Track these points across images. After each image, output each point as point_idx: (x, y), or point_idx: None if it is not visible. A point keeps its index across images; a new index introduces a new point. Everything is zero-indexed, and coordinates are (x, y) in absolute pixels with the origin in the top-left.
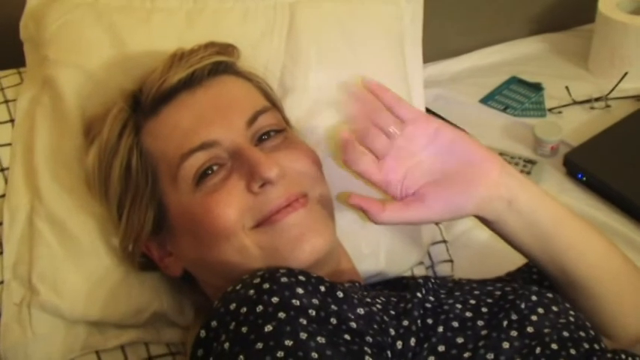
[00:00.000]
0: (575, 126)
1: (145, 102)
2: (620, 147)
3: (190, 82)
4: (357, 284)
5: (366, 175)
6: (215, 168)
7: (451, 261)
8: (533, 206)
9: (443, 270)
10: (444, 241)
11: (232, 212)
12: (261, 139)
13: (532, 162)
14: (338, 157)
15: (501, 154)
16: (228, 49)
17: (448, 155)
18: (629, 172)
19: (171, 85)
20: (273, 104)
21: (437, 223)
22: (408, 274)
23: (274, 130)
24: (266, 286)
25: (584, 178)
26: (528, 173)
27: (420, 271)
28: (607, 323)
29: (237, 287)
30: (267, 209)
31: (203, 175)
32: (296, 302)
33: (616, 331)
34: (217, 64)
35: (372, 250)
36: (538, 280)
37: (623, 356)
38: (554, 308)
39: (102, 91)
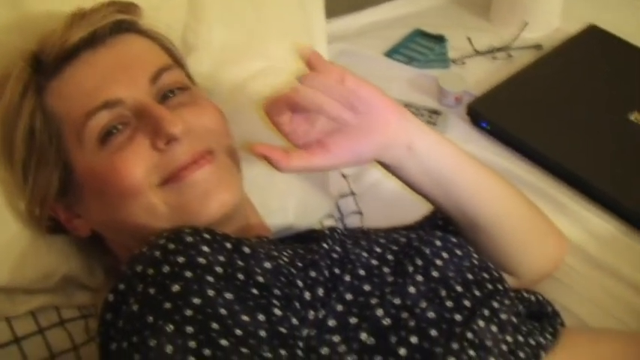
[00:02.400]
0: (478, 76)
1: (47, 62)
2: (522, 95)
3: (92, 41)
4: (264, 239)
5: (279, 125)
6: (120, 127)
7: (360, 213)
8: (432, 152)
9: (352, 222)
10: (353, 194)
11: (138, 170)
12: (165, 96)
13: (437, 113)
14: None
15: (406, 105)
16: (129, 7)
17: (351, 104)
18: (530, 120)
19: (72, 43)
20: (177, 62)
21: (344, 176)
22: (317, 227)
23: (178, 87)
24: (171, 246)
25: (488, 127)
26: (433, 124)
27: (329, 224)
28: (511, 263)
29: (143, 249)
30: (173, 166)
31: (108, 134)
32: (202, 260)
33: (520, 270)
34: (119, 22)
35: (281, 205)
36: (443, 225)
37: (525, 295)
38: (458, 252)
39: (0, 53)
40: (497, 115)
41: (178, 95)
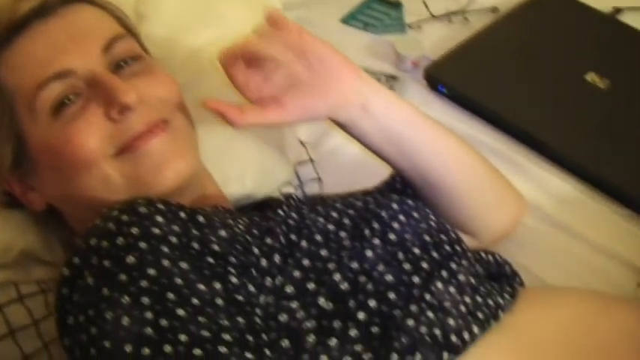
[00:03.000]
0: (435, 40)
1: None
2: (479, 58)
3: (43, 11)
4: (221, 208)
5: (233, 78)
6: (72, 97)
7: (319, 180)
8: (386, 111)
9: (312, 189)
10: (311, 161)
11: (92, 141)
12: (118, 66)
13: (394, 78)
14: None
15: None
16: None
17: (306, 61)
18: (488, 83)
19: (23, 14)
20: (129, 31)
21: (303, 143)
22: (276, 194)
23: (131, 57)
24: (125, 217)
25: (446, 91)
26: (391, 89)
27: (288, 192)
28: (470, 223)
29: (97, 222)
30: (127, 136)
31: (60, 105)
32: (156, 231)
33: (479, 230)
34: None
35: (238, 173)
36: (401, 189)
37: (483, 255)
38: (415, 215)
39: None
40: (455, 79)
41: (132, 65)
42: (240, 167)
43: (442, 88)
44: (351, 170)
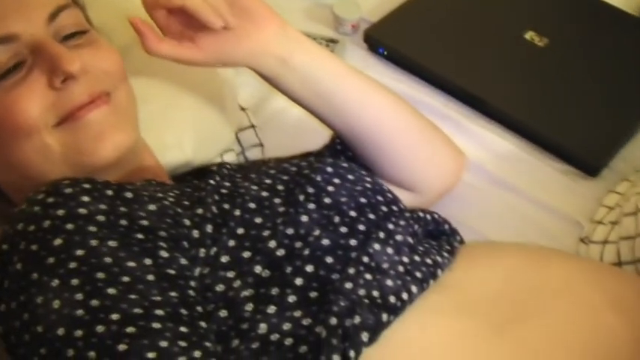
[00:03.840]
0: (373, 3)
1: None
2: (418, 19)
3: None
4: (153, 181)
5: (155, 19)
6: (14, 63)
7: (261, 145)
8: (310, 64)
9: (254, 155)
10: (253, 126)
11: (34, 109)
12: (63, 38)
13: (334, 41)
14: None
15: None
16: None
17: (231, 9)
18: (427, 43)
19: None
20: (75, 2)
21: (243, 109)
22: (217, 161)
23: (77, 31)
24: (50, 200)
25: (386, 53)
26: (331, 52)
27: (230, 158)
28: (409, 178)
29: (23, 206)
30: (69, 105)
31: (5, 73)
32: (83, 211)
33: (419, 184)
34: None
35: (177, 140)
36: (342, 150)
37: (421, 214)
38: (350, 177)
39: None
40: (394, 41)
41: (77, 38)
42: (178, 134)
43: (382, 50)
44: (293, 135)
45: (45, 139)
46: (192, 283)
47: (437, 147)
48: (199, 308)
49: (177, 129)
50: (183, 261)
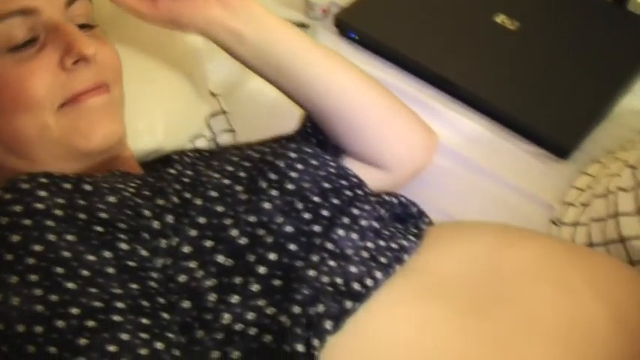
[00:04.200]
0: None
1: None
2: (388, 3)
3: None
4: (116, 171)
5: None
6: (31, 38)
7: (232, 131)
8: (265, 39)
9: (225, 141)
10: (224, 112)
11: (43, 87)
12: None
13: (304, 26)
14: None
15: None
16: None
17: None
18: (398, 27)
19: None
20: None
21: (214, 95)
22: (189, 147)
23: (87, 23)
24: (7, 196)
25: (356, 37)
26: None
27: (201, 144)
28: (377, 155)
29: None
30: (76, 88)
31: (19, 42)
32: (40, 206)
33: (389, 162)
34: None
35: (148, 125)
36: (312, 133)
37: (387, 198)
38: (314, 162)
39: None
40: (365, 25)
41: (86, 30)
42: (149, 120)
43: (353, 34)
44: (266, 121)
45: (47, 119)
46: (154, 275)
47: (405, 124)
48: (161, 299)
49: (148, 115)
50: (144, 252)
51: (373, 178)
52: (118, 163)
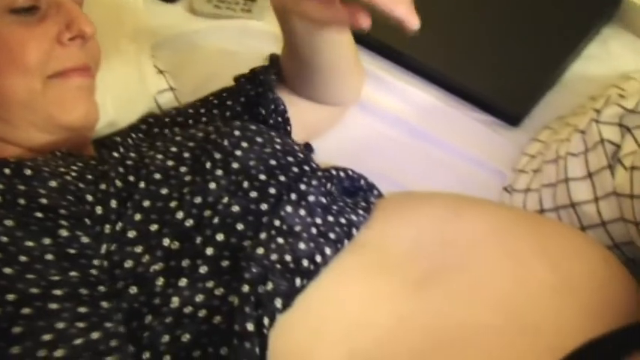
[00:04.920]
0: None
1: None
2: None
3: None
4: (57, 152)
5: None
6: (35, 6)
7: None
8: None
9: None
10: (172, 89)
11: (39, 54)
12: None
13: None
14: None
15: None
16: None
17: None
18: None
19: None
20: None
21: (162, 72)
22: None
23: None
24: None
25: None
26: (248, 11)
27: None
28: (337, 95)
29: None
30: (67, 64)
31: (24, 9)
32: None
33: (343, 99)
34: None
35: (100, 100)
36: (255, 95)
37: (334, 172)
38: (259, 139)
39: None
40: None
41: None
42: (99, 94)
43: None
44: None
45: (35, 84)
46: (96, 262)
47: (359, 65)
48: (102, 288)
49: (98, 90)
50: (86, 239)
51: (319, 117)
52: (83, 146)
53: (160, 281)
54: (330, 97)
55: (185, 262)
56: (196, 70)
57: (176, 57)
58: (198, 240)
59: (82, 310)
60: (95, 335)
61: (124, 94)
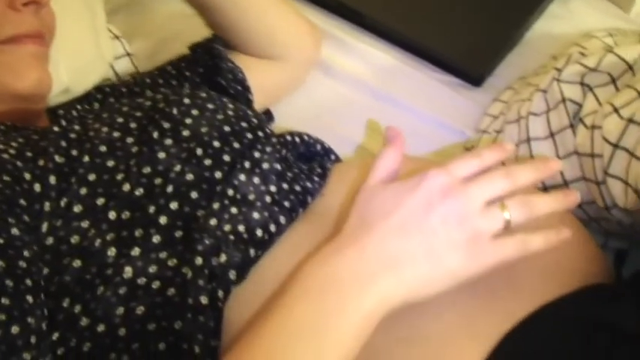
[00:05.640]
0: None
1: None
2: None
3: None
4: (1, 127)
5: None
6: None
7: (138, 73)
8: None
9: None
10: (128, 54)
11: None
12: None
13: None
14: None
15: None
16: None
17: None
18: None
19: None
20: None
21: (118, 37)
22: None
23: None
24: None
25: None
26: None
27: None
28: (268, 45)
29: None
30: (21, 29)
31: None
32: None
33: (283, 50)
34: None
35: (53, 67)
36: (213, 65)
37: (289, 138)
38: (210, 106)
39: None
40: None
41: None
42: (54, 61)
43: None
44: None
45: None
46: (26, 253)
47: (296, 14)
48: (29, 281)
49: (52, 56)
50: (15, 231)
51: (278, 80)
52: (36, 116)
53: (112, 252)
54: (277, 49)
55: (138, 232)
56: (153, 35)
57: (132, 22)
58: (152, 209)
59: (5, 301)
60: (14, 329)
61: (78, 61)
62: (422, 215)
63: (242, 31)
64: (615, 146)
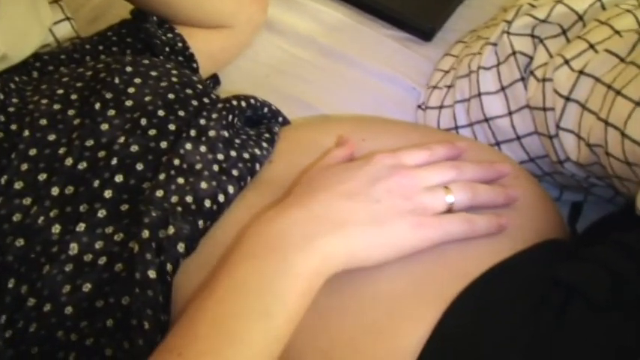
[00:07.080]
0: None
1: None
2: None
3: None
4: None
5: None
6: None
7: (79, 38)
8: None
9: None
10: (68, 18)
11: None
12: None
13: None
14: None
15: None
16: None
17: None
18: None
19: None
20: None
21: (56, 0)
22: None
23: None
24: None
25: None
26: None
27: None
28: (221, 12)
29: None
30: None
31: None
32: None
33: (225, 17)
34: None
35: None
36: (152, 35)
37: (234, 102)
38: (154, 73)
39: None
40: None
41: None
42: None
43: None
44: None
45: None
46: None
47: None
48: None
49: None
50: None
51: (225, 43)
52: None
53: (56, 228)
54: (223, 17)
55: (83, 207)
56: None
57: None
58: (96, 183)
59: None
60: None
61: (15, 26)
62: (368, 185)
63: (184, 8)
64: (567, 99)
